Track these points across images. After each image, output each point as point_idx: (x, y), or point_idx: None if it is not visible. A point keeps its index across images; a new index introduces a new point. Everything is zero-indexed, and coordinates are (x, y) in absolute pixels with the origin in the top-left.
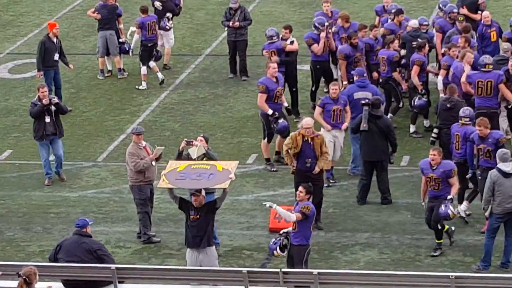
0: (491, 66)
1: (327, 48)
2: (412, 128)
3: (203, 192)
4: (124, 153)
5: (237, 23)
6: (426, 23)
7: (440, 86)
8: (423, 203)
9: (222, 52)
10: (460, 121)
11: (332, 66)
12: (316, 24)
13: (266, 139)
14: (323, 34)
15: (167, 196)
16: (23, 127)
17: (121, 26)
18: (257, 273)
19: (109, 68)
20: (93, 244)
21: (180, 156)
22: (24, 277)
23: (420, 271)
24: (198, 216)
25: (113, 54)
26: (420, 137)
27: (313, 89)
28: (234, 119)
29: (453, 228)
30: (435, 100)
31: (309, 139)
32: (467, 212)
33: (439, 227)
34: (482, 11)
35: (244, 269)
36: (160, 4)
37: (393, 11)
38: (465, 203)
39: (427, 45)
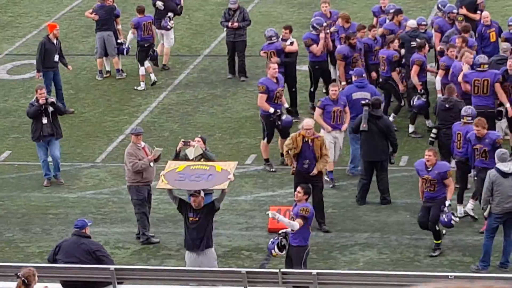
0: (486, 66)
1: (325, 48)
2: (411, 128)
3: (202, 193)
4: (123, 153)
5: (236, 24)
6: (424, 23)
7: (438, 86)
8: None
9: (220, 52)
10: (462, 120)
11: (330, 66)
12: (314, 24)
13: (265, 140)
14: (322, 35)
15: (166, 197)
16: (22, 128)
17: (119, 27)
18: (256, 273)
19: (108, 69)
20: (92, 245)
21: (177, 157)
22: (23, 278)
23: (419, 271)
24: (197, 219)
25: (111, 55)
26: (419, 137)
27: (312, 89)
28: (232, 119)
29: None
30: (434, 100)
31: (309, 140)
32: (469, 212)
33: (437, 228)
34: (481, 11)
35: (243, 270)
36: (162, 3)
37: (391, 11)
38: (471, 201)
39: (427, 45)
